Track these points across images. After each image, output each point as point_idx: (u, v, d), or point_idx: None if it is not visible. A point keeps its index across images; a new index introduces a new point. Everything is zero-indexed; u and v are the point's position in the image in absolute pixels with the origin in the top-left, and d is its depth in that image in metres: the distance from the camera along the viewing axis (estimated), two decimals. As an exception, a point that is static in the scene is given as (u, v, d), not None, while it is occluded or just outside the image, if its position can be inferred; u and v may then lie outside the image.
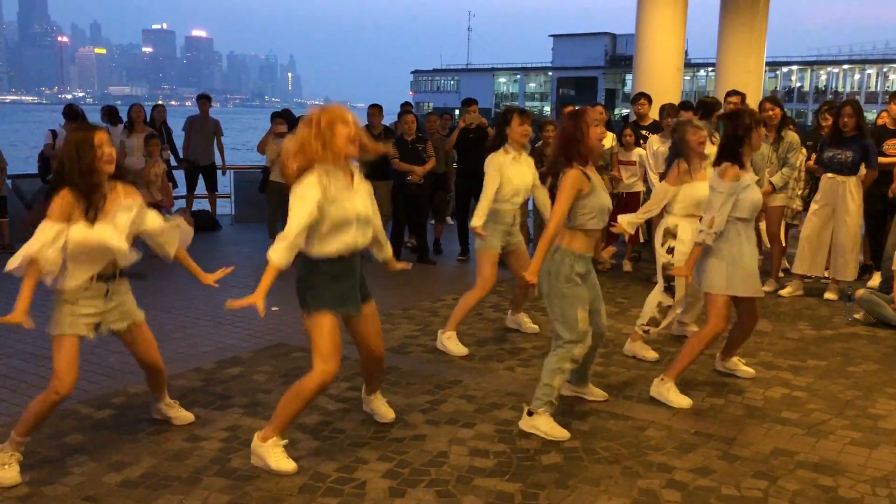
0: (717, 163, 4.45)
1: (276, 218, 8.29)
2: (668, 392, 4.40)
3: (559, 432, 3.88)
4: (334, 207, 3.38)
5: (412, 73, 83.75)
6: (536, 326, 5.80)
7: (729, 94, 7.80)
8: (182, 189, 10.84)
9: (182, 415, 4.07)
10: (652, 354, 5.23)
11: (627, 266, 8.16)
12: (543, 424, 3.92)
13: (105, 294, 3.61)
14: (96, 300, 3.57)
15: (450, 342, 5.34)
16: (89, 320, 3.56)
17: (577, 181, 3.84)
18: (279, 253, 3.33)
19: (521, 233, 5.64)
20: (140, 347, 3.83)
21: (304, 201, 3.33)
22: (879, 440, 3.93)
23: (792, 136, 7.14)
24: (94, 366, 4.96)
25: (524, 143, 5.43)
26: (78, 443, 3.81)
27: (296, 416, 3.58)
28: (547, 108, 68.74)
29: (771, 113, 7.08)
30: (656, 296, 5.22)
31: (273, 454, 3.50)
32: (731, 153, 4.36)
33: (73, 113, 9.25)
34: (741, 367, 4.91)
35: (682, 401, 4.36)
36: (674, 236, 5.13)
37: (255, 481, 3.42)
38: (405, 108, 9.23)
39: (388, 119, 9.92)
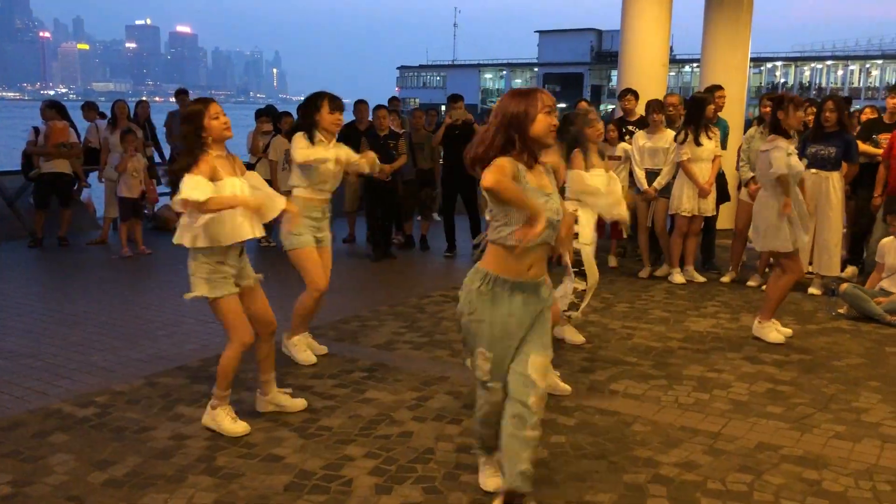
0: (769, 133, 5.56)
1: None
2: (767, 330, 5.51)
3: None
4: None
5: (398, 68, 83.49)
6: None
7: (712, 88, 7.86)
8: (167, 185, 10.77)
9: (296, 403, 4.21)
10: (579, 338, 5.42)
11: (613, 261, 8.19)
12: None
13: (239, 253, 3.90)
14: (234, 259, 3.87)
15: (296, 349, 5.00)
16: (233, 285, 3.87)
17: (505, 167, 2.81)
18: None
19: (329, 228, 5.16)
20: (259, 305, 4.04)
21: None
22: (863, 434, 3.96)
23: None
24: (79, 364, 4.93)
25: (334, 131, 4.97)
26: (61, 442, 3.78)
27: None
28: (533, 104, 68.70)
29: (768, 110, 7.15)
30: (569, 283, 5.27)
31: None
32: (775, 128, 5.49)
33: (56, 105, 9.21)
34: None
35: (778, 335, 5.49)
36: (576, 221, 5.12)
37: (240, 479, 3.41)
38: (393, 103, 9.19)
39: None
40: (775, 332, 5.54)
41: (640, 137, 7.43)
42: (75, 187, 9.93)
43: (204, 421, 3.94)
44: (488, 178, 2.74)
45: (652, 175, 7.42)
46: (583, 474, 3.48)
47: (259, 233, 3.88)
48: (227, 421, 3.88)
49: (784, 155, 5.37)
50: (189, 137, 3.73)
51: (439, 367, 4.94)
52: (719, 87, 7.84)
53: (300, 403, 4.21)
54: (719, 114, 7.77)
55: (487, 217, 2.95)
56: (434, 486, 3.36)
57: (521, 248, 2.84)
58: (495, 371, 2.99)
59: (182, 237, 3.80)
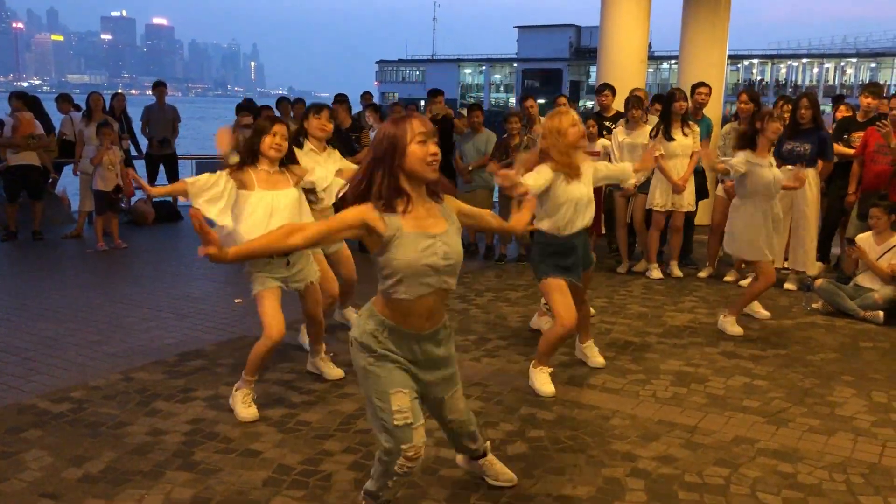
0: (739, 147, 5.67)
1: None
2: (728, 323, 5.69)
3: None
4: None
5: (377, 63, 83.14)
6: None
7: (696, 85, 7.88)
8: (143, 179, 10.65)
9: (333, 371, 4.59)
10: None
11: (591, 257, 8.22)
12: None
13: (286, 264, 4.10)
14: (280, 269, 4.09)
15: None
16: (277, 283, 4.10)
17: (356, 216, 2.54)
18: None
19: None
20: (309, 302, 4.34)
21: None
22: (837, 427, 4.01)
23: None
24: (54, 359, 4.87)
25: (322, 136, 5.03)
26: (36, 437, 3.73)
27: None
28: (512, 100, 68.85)
29: (744, 106, 7.26)
30: None
31: (539, 378, 4.41)
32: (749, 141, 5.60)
33: (24, 96, 9.08)
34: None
35: (737, 329, 5.65)
36: None
37: (218, 475, 3.38)
38: (340, 97, 9.05)
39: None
40: (737, 325, 5.69)
41: (620, 133, 7.45)
42: (49, 181, 9.81)
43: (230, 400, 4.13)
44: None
45: None
46: (561, 468, 3.50)
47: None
48: (239, 404, 4.02)
49: (742, 159, 5.56)
50: (245, 148, 4.12)
51: (418, 361, 4.93)
52: (701, 84, 7.86)
53: (338, 372, 4.59)
54: (704, 111, 7.81)
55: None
56: (413, 480, 3.35)
57: (410, 295, 2.61)
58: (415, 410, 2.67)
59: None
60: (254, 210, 4.00)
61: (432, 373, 2.79)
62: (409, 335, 2.69)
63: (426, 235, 2.58)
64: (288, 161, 4.20)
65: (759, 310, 6.13)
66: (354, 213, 2.53)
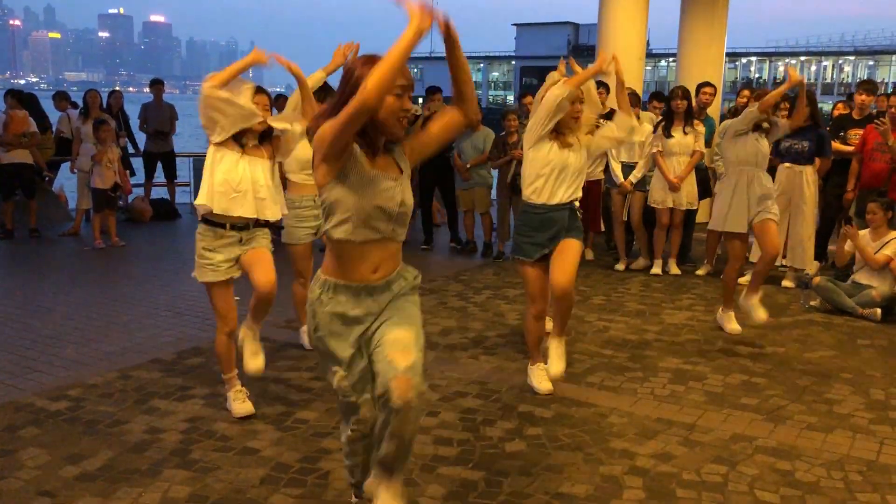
0: None
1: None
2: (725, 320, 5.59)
3: None
4: None
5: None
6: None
7: (701, 85, 7.86)
8: (140, 177, 10.65)
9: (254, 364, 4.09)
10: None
11: (589, 254, 8.22)
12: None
13: (240, 241, 3.90)
14: (233, 247, 3.89)
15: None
16: (230, 270, 3.90)
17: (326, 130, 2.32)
18: None
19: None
20: (258, 271, 3.91)
21: None
22: (834, 424, 4.01)
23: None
24: (51, 357, 4.86)
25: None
26: (33, 436, 3.72)
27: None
28: (511, 97, 68.83)
29: (744, 101, 7.26)
30: None
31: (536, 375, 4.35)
32: None
33: (20, 97, 9.05)
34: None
35: (735, 327, 5.53)
36: None
37: (216, 473, 3.38)
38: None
39: None
40: (735, 322, 5.58)
41: None
42: (45, 179, 9.79)
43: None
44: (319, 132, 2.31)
45: (628, 168, 7.46)
46: (559, 466, 3.49)
47: (271, 216, 3.93)
48: (232, 402, 4.00)
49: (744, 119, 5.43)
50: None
51: (416, 359, 4.92)
52: (706, 84, 7.84)
53: (259, 364, 4.08)
54: (708, 111, 7.78)
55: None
56: (411, 478, 3.35)
57: (356, 237, 2.41)
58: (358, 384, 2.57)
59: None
60: (231, 169, 3.80)
61: (391, 329, 2.48)
62: (357, 289, 2.48)
63: (386, 177, 2.42)
64: (266, 136, 3.99)
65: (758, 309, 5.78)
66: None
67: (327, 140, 2.28)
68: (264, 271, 3.87)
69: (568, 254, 4.22)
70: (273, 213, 3.95)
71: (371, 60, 2.30)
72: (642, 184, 7.41)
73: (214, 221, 3.84)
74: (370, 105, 2.16)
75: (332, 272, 2.50)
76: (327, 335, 2.53)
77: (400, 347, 2.40)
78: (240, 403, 3.98)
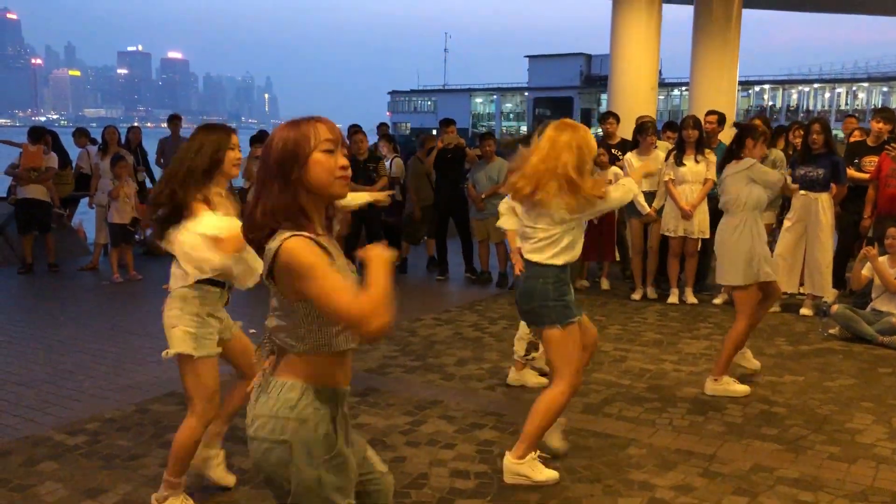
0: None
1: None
2: (729, 385, 4.89)
3: None
4: None
5: (389, 93, 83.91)
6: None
7: (706, 114, 7.90)
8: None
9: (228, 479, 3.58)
10: (540, 381, 4.94)
11: (605, 284, 8.20)
12: None
13: (226, 303, 3.38)
14: (222, 311, 3.36)
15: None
16: (216, 337, 3.32)
17: (315, 250, 1.92)
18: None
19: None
20: (238, 352, 3.49)
21: None
22: (857, 455, 3.96)
23: (776, 153, 7.30)
24: (69, 391, 4.88)
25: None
26: (51, 470, 3.73)
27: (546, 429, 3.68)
28: (524, 128, 69.20)
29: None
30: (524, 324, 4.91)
31: (535, 468, 3.60)
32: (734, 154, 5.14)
33: (36, 132, 9.18)
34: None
35: (741, 389, 4.88)
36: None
37: (232, 507, 3.37)
38: (354, 128, 9.10)
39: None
40: (736, 385, 4.94)
41: (635, 160, 7.43)
42: (63, 215, 9.90)
43: None
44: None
45: (648, 197, 7.44)
46: (578, 499, 3.46)
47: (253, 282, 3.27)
48: None
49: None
50: (201, 166, 3.15)
51: (432, 390, 4.92)
52: (710, 112, 7.85)
53: (230, 479, 3.57)
54: (721, 138, 7.76)
55: (275, 323, 2.03)
56: (428, 511, 3.33)
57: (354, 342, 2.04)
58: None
59: (180, 278, 3.30)
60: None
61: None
62: (342, 394, 2.08)
63: (350, 269, 2.08)
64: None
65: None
66: (307, 245, 1.90)
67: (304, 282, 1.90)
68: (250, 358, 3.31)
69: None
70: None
71: (298, 123, 2.00)
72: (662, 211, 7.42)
73: (216, 280, 3.25)
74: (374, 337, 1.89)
75: (322, 381, 2.02)
76: (345, 461, 2.04)
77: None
78: None
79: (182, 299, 3.28)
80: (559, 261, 3.58)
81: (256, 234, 1.97)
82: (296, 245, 1.89)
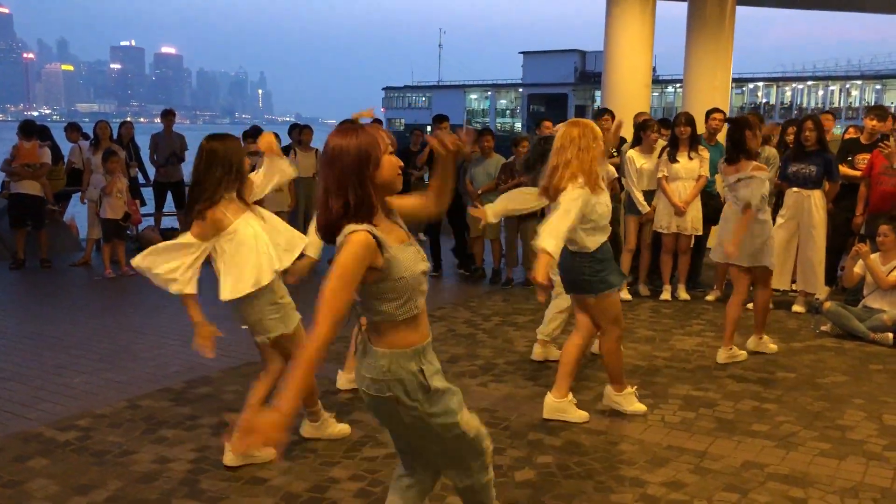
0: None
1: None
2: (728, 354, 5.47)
3: None
4: None
5: (383, 89, 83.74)
6: None
7: (711, 111, 7.85)
8: (150, 206, 10.73)
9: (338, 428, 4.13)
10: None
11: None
12: None
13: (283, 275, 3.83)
14: (284, 287, 3.82)
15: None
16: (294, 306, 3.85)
17: (361, 253, 2.25)
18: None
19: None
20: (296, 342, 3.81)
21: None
22: (848, 451, 3.97)
23: (769, 150, 7.29)
24: (60, 387, 4.87)
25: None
26: (41, 466, 3.72)
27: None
28: (518, 125, 69.20)
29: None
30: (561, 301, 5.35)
31: (629, 400, 4.46)
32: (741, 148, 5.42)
33: (29, 129, 9.13)
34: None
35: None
36: None
37: (224, 502, 3.37)
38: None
39: None
40: (740, 351, 5.57)
41: (637, 158, 7.40)
42: (55, 210, 9.87)
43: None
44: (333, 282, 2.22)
45: (648, 195, 7.43)
46: (569, 494, 3.46)
47: (286, 262, 3.75)
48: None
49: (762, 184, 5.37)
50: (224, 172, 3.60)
51: (425, 387, 4.91)
52: (715, 110, 7.82)
53: (343, 428, 4.13)
54: (718, 137, 7.75)
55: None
56: (420, 507, 3.33)
57: (417, 310, 2.42)
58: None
59: (230, 288, 3.63)
60: (243, 241, 3.63)
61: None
62: (420, 350, 2.45)
63: (406, 244, 2.41)
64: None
65: (770, 345, 5.81)
66: (360, 247, 2.24)
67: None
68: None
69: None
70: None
71: (362, 131, 2.34)
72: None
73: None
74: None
75: (411, 341, 2.42)
76: (439, 389, 2.48)
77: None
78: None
79: None
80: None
81: (331, 228, 2.32)
82: (354, 239, 2.23)
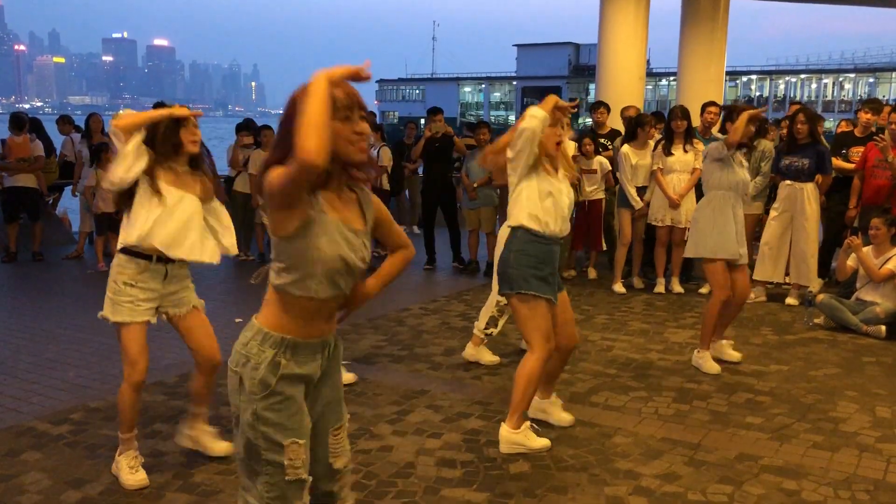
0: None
1: (241, 226, 8.19)
2: (703, 360, 5.15)
3: None
4: None
5: (377, 82, 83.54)
6: None
7: (706, 105, 7.83)
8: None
9: (219, 446, 3.72)
10: (493, 358, 5.25)
11: (592, 273, 8.21)
12: None
13: (164, 276, 3.53)
14: (155, 280, 3.51)
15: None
16: (148, 311, 3.55)
17: (298, 177, 1.93)
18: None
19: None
20: (196, 335, 3.68)
21: None
22: (840, 443, 3.99)
23: (765, 144, 7.29)
24: (53, 380, 4.85)
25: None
26: (35, 460, 3.71)
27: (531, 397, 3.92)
28: (512, 118, 69.20)
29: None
30: (495, 296, 5.18)
31: (528, 437, 3.82)
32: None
33: (19, 122, 9.07)
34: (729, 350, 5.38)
35: (714, 366, 5.10)
36: None
37: (218, 496, 3.36)
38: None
39: None
40: (712, 361, 5.16)
41: (632, 155, 7.37)
42: (51, 202, 9.83)
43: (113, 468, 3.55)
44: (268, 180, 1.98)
45: (640, 191, 7.42)
46: (564, 487, 3.47)
47: (209, 258, 3.49)
48: (124, 471, 3.44)
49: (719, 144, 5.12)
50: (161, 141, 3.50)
51: (419, 380, 4.92)
52: (711, 104, 7.79)
53: (224, 447, 3.71)
54: (713, 130, 7.73)
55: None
56: (415, 500, 3.33)
57: (320, 294, 2.12)
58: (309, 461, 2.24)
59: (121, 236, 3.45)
60: (170, 213, 3.40)
61: (328, 392, 2.29)
62: (314, 346, 2.19)
63: (349, 228, 2.13)
64: (196, 163, 3.56)
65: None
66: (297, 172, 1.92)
67: (276, 193, 1.98)
68: (208, 336, 3.64)
69: (569, 308, 4.09)
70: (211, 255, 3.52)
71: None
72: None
73: (139, 253, 3.43)
74: (314, 168, 1.87)
75: (286, 328, 2.15)
76: (283, 402, 2.14)
77: (340, 451, 2.34)
78: (130, 474, 3.43)
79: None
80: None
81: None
82: (272, 172, 1.97)
